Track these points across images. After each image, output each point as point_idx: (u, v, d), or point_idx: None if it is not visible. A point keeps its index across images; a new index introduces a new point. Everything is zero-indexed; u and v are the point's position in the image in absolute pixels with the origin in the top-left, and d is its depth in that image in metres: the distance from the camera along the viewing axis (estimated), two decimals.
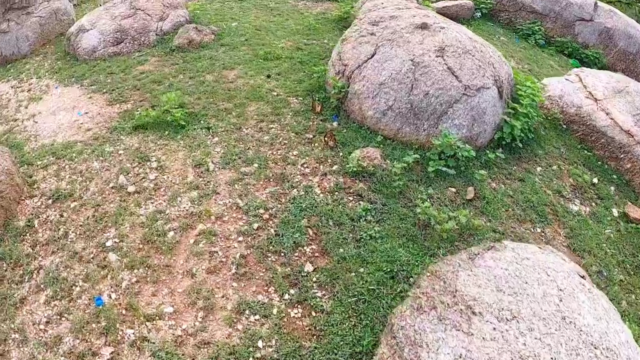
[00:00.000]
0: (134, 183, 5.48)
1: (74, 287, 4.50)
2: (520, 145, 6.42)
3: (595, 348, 3.22)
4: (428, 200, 5.24)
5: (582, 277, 3.90)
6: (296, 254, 4.67)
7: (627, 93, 7.62)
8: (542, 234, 5.62)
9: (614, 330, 3.42)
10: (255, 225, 4.91)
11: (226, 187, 5.38)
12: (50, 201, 5.42)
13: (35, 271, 4.72)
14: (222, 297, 4.31)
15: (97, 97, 7.40)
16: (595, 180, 6.71)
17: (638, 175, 6.87)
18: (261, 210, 5.07)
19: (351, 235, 4.84)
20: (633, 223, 6.19)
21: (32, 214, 5.30)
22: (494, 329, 3.26)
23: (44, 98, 7.78)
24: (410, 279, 4.45)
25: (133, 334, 4.05)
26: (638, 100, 7.45)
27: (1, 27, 9.24)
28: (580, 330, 3.29)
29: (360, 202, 5.20)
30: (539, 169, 6.48)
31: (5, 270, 4.72)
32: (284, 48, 8.81)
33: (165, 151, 5.99)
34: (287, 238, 4.77)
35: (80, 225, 5.06)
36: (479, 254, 3.98)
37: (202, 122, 6.57)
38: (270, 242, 4.75)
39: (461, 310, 3.45)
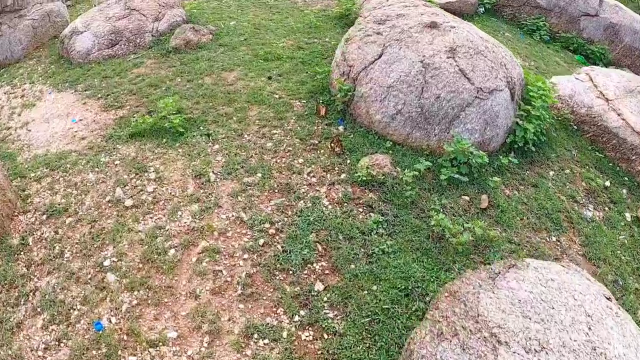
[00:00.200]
0: (131, 196, 5.22)
1: (71, 311, 4.27)
2: (533, 148, 6.19)
3: None
4: (441, 210, 5.01)
5: (608, 298, 3.68)
6: (305, 272, 4.44)
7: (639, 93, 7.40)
8: (558, 242, 5.42)
9: None
10: (261, 241, 4.67)
11: (229, 200, 5.13)
12: (44, 217, 5.17)
13: (31, 293, 4.48)
14: (229, 320, 4.08)
15: (92, 103, 7.12)
16: (607, 183, 6.53)
17: None
18: (267, 225, 4.83)
19: (362, 250, 4.61)
20: None
21: (26, 231, 5.05)
22: None
23: (37, 104, 7.50)
24: (426, 297, 4.23)
25: None
26: None
27: None
28: None
29: (371, 213, 4.97)
30: (551, 173, 6.26)
31: (0, 292, 4.48)
32: (285, 47, 8.53)
33: (164, 161, 5.73)
34: (295, 254, 4.54)
35: (77, 243, 4.82)
36: (500, 273, 3.75)
37: (201, 128, 6.31)
38: (278, 260, 4.51)
39: (485, 338, 3.23)
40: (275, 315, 4.13)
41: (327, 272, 4.45)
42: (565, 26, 11.46)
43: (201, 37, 8.66)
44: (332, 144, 5.88)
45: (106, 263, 4.58)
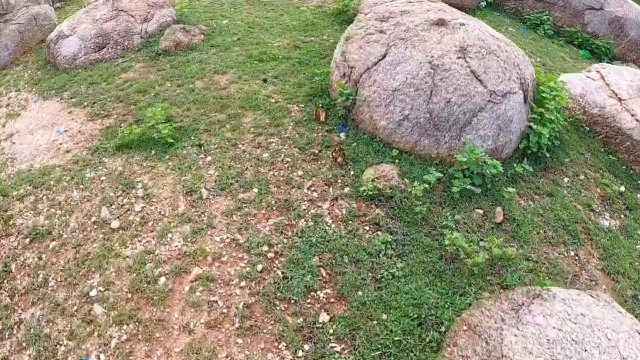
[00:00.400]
0: (118, 216, 4.83)
1: (58, 346, 3.95)
2: (547, 154, 5.84)
3: None
4: (455, 226, 4.65)
5: None
6: (308, 301, 4.07)
7: None
8: (576, 257, 5.10)
9: None
10: (259, 267, 4.30)
11: (223, 219, 4.74)
12: (27, 240, 4.79)
13: (16, 326, 4.20)
14: (226, 357, 3.72)
15: (78, 112, 6.69)
16: (622, 188, 6.23)
17: None
18: (265, 247, 4.45)
19: (370, 274, 4.24)
20: None
21: (9, 257, 4.69)
22: None
23: (22, 114, 7.07)
24: (441, 326, 3.88)
25: None
26: None
27: None
28: None
29: (379, 232, 4.60)
30: (566, 179, 5.92)
31: None
32: (280, 47, 8.11)
33: (152, 175, 5.33)
34: (296, 281, 4.17)
35: (61, 270, 4.44)
36: (523, 304, 3.41)
37: (192, 138, 5.90)
38: (278, 287, 4.14)
39: None
40: (277, 350, 3.77)
41: (332, 300, 4.09)
42: (569, 20, 11.10)
43: (192, 38, 8.22)
44: (334, 154, 5.49)
45: (92, 293, 4.21)
